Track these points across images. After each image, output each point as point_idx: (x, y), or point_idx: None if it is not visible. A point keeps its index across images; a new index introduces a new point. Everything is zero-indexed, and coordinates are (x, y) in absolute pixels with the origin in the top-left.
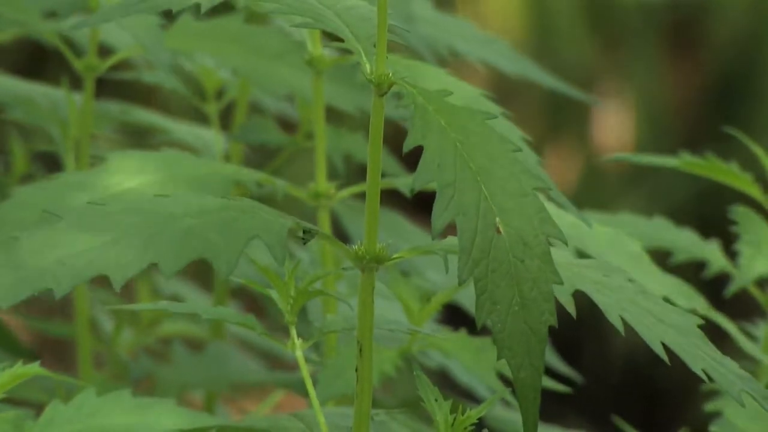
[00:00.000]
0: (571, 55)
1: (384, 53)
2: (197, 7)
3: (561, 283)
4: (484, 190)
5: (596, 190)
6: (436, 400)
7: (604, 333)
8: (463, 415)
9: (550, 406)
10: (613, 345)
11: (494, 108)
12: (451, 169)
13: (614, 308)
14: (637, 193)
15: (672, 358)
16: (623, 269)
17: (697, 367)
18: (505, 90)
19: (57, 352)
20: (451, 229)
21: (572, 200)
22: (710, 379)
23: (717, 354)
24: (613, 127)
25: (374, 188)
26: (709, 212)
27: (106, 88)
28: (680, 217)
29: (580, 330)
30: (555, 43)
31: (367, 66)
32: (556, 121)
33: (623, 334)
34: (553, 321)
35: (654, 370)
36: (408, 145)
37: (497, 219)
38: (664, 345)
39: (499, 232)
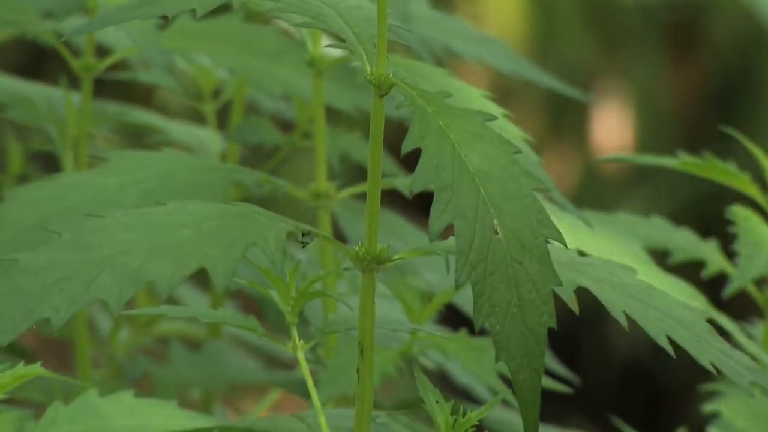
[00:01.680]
0: (571, 55)
1: (384, 54)
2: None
3: (560, 284)
4: (483, 193)
5: (596, 191)
6: (437, 402)
7: (604, 332)
8: (463, 416)
9: (550, 405)
10: (613, 344)
11: (495, 109)
12: (450, 171)
13: (617, 304)
14: (637, 195)
15: (673, 356)
16: (629, 267)
17: (704, 360)
18: (505, 90)
19: (54, 353)
20: (451, 230)
21: (572, 201)
22: (718, 371)
23: (725, 346)
24: (613, 127)
25: (375, 189)
26: (710, 213)
27: (104, 88)
28: (681, 218)
29: (581, 329)
30: (555, 43)
31: (368, 67)
32: (555, 121)
33: (627, 329)
34: (552, 323)
35: (654, 369)
36: (407, 147)
37: (495, 221)
38: (669, 339)
39: (497, 234)
